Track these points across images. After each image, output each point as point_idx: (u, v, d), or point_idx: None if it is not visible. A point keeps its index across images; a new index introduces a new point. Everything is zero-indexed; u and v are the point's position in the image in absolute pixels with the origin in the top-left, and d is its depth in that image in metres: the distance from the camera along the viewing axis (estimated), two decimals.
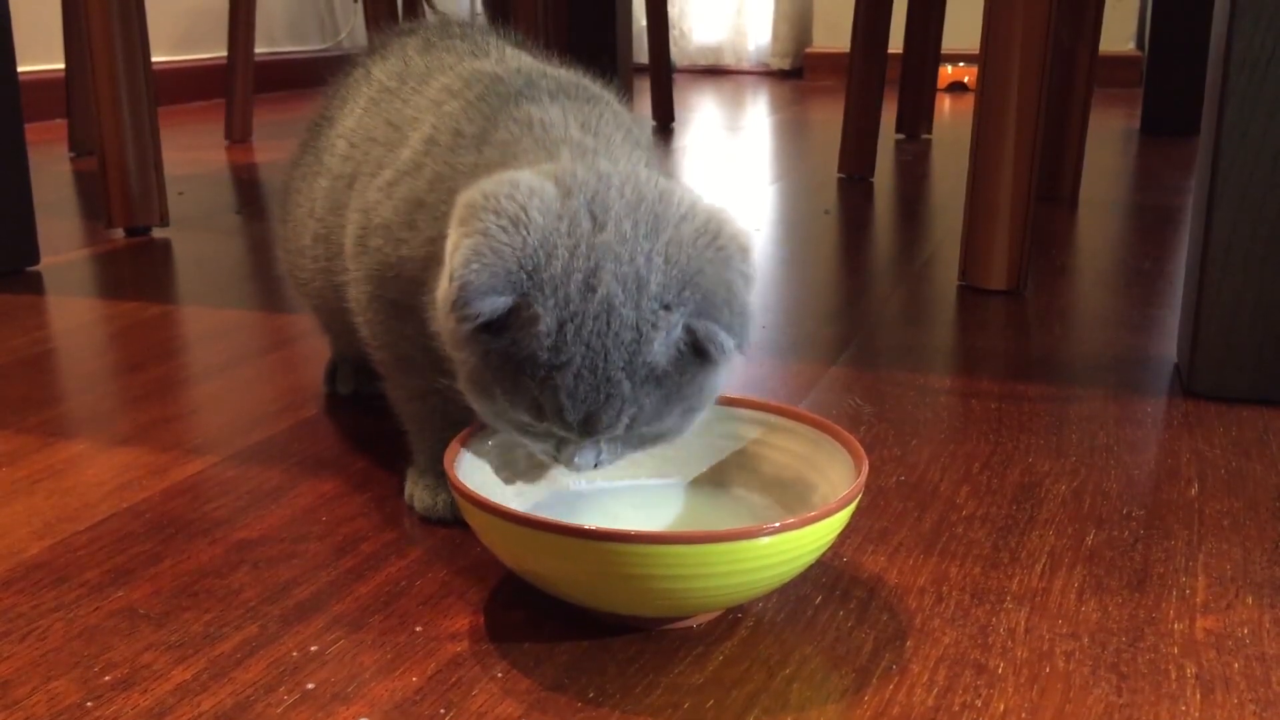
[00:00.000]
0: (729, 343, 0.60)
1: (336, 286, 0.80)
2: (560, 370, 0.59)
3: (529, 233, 0.59)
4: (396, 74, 0.83)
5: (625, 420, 0.60)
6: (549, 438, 0.63)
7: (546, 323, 0.59)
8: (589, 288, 0.59)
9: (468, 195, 0.62)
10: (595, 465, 0.63)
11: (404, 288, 0.71)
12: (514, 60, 0.81)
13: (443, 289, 0.62)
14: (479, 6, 4.19)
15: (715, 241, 0.62)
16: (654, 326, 0.59)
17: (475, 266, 0.58)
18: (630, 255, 0.60)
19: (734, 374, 0.65)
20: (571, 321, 0.59)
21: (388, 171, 0.74)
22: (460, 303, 0.58)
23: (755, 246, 0.65)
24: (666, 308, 0.60)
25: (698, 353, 0.61)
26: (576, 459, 0.63)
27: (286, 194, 0.92)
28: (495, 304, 0.59)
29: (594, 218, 0.61)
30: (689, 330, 0.60)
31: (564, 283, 0.59)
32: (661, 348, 0.60)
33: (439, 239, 0.66)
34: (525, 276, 0.59)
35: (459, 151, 0.70)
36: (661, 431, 0.63)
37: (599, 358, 0.59)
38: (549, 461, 0.66)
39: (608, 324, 0.59)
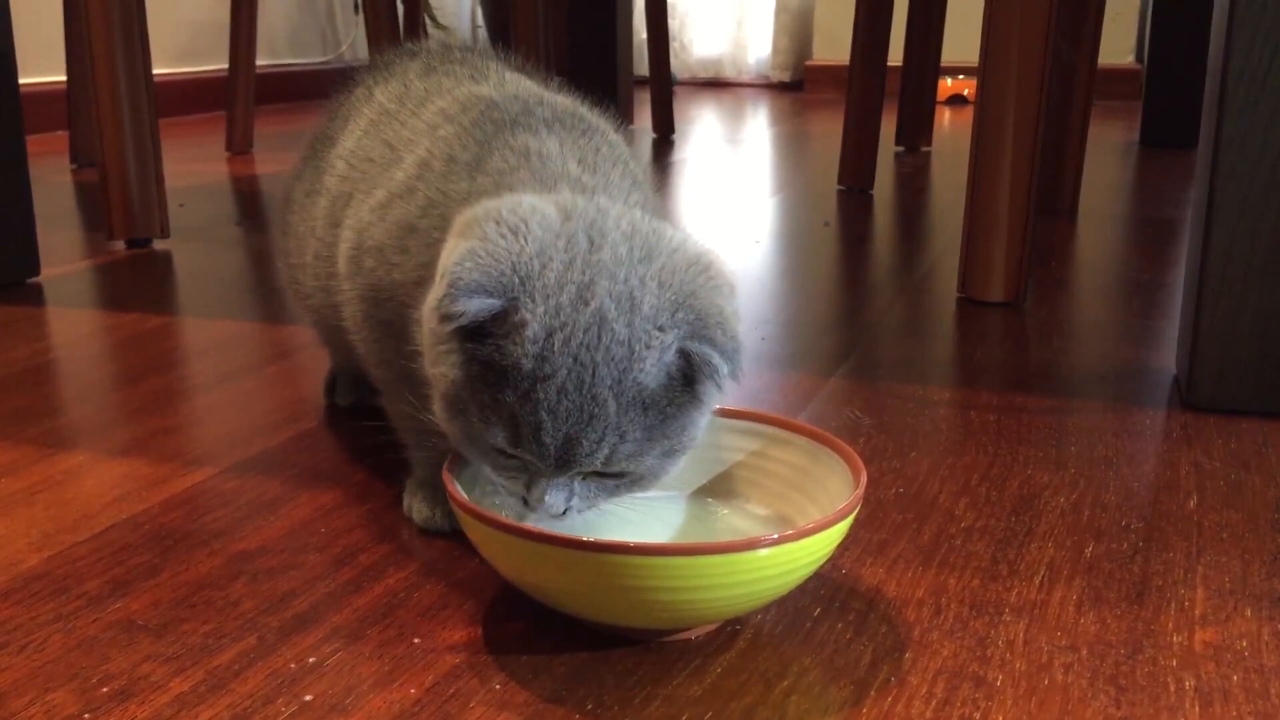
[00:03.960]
0: (724, 366, 0.59)
1: (335, 305, 0.80)
2: (544, 383, 0.57)
3: (526, 242, 0.59)
4: (397, 96, 0.83)
5: (605, 450, 0.59)
6: (520, 473, 0.61)
7: (533, 329, 0.58)
8: (582, 300, 0.58)
9: (469, 211, 0.62)
10: (564, 511, 0.61)
11: (396, 310, 0.71)
12: (512, 85, 0.81)
13: (430, 303, 0.61)
14: (479, 18, 4.19)
15: (707, 271, 0.62)
16: (646, 346, 0.58)
17: (468, 265, 0.58)
18: (625, 276, 0.59)
19: (725, 394, 0.64)
20: (561, 331, 0.58)
21: (380, 191, 0.75)
22: (448, 299, 0.57)
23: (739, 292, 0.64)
24: (660, 329, 0.59)
25: (687, 383, 0.60)
26: (547, 497, 0.60)
27: (288, 207, 0.92)
28: (483, 304, 0.58)
29: (591, 240, 0.60)
30: (682, 355, 0.59)
31: (556, 292, 0.58)
32: (653, 369, 0.59)
33: (430, 264, 0.66)
34: (518, 281, 0.58)
35: (452, 178, 0.70)
36: (639, 473, 0.61)
37: (586, 373, 0.58)
38: (517, 506, 0.62)
39: (599, 338, 0.58)
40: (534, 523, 0.63)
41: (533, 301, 0.58)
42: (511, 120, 0.72)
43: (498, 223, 0.60)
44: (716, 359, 0.59)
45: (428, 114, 0.78)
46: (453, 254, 0.59)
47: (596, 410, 0.58)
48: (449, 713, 0.56)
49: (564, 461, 0.59)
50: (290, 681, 0.59)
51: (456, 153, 0.72)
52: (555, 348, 0.58)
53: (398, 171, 0.74)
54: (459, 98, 0.78)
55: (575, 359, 0.58)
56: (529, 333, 0.58)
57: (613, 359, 0.58)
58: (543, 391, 0.58)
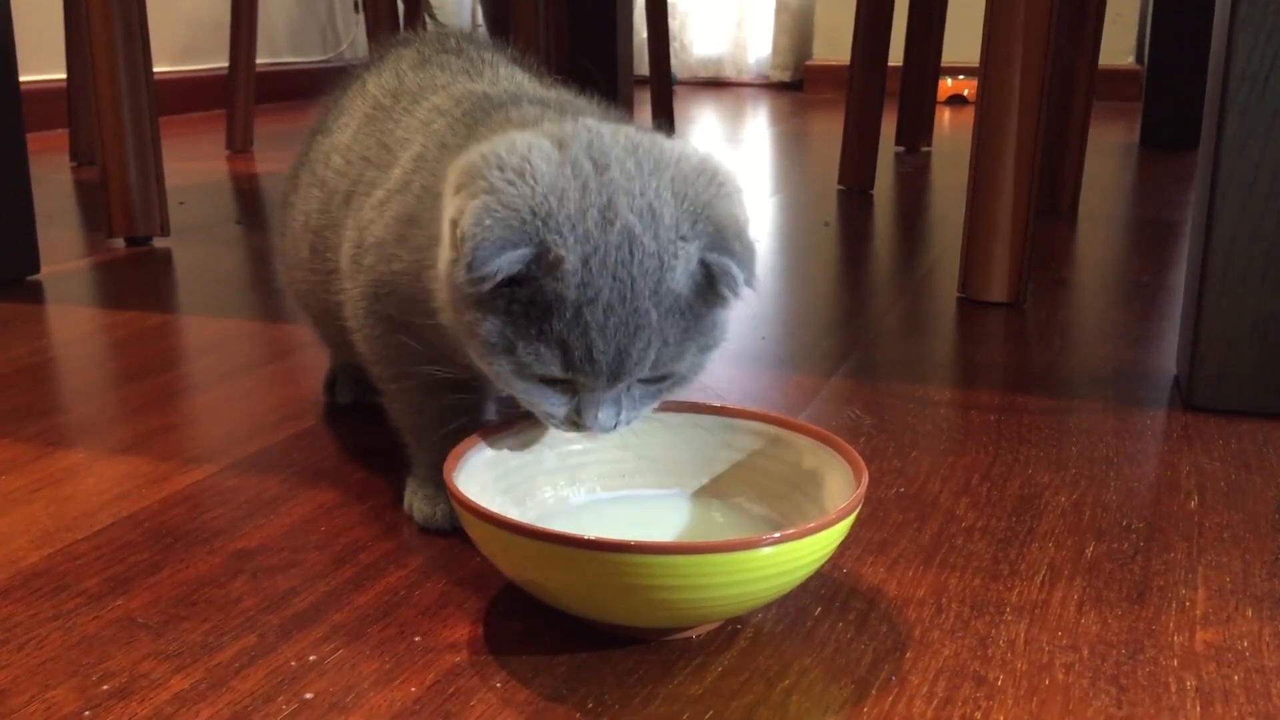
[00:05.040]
0: (740, 276, 0.61)
1: (335, 301, 0.80)
2: (590, 305, 0.59)
3: (536, 181, 0.60)
4: (390, 91, 0.83)
5: (652, 355, 0.60)
6: (569, 395, 0.63)
7: (571, 261, 0.59)
8: (607, 221, 0.59)
9: (462, 159, 0.62)
10: (615, 425, 0.63)
11: (399, 304, 0.71)
12: (506, 80, 0.81)
13: (444, 259, 0.62)
14: (480, 18, 4.19)
15: (716, 178, 0.63)
16: (674, 255, 0.60)
17: (488, 222, 0.58)
18: (640, 190, 0.61)
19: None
20: (595, 255, 0.59)
21: (380, 191, 0.75)
22: (477, 263, 0.58)
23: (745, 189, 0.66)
24: (683, 238, 0.61)
25: (711, 286, 0.62)
26: (600, 415, 0.62)
27: (285, 207, 0.92)
28: (514, 257, 0.58)
29: (595, 161, 0.61)
30: (703, 264, 0.61)
31: (580, 220, 0.59)
32: (682, 276, 0.60)
33: (429, 247, 0.67)
34: (540, 223, 0.59)
35: (445, 160, 0.70)
36: (680, 374, 0.63)
37: (626, 288, 0.59)
38: (566, 429, 0.64)
39: (630, 253, 0.59)
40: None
41: (560, 236, 0.59)
42: (498, 105, 0.73)
43: (500, 169, 0.60)
44: (734, 269, 0.61)
45: (422, 111, 0.78)
46: (466, 214, 0.59)
47: (640, 321, 0.60)
48: (449, 711, 0.56)
49: (616, 375, 0.61)
50: (291, 679, 0.59)
51: (448, 139, 0.72)
52: (594, 271, 0.59)
53: (395, 170, 0.74)
54: (454, 94, 0.78)
55: (614, 277, 0.59)
56: (568, 266, 0.59)
57: (647, 271, 0.60)
58: (590, 314, 0.59)
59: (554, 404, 0.63)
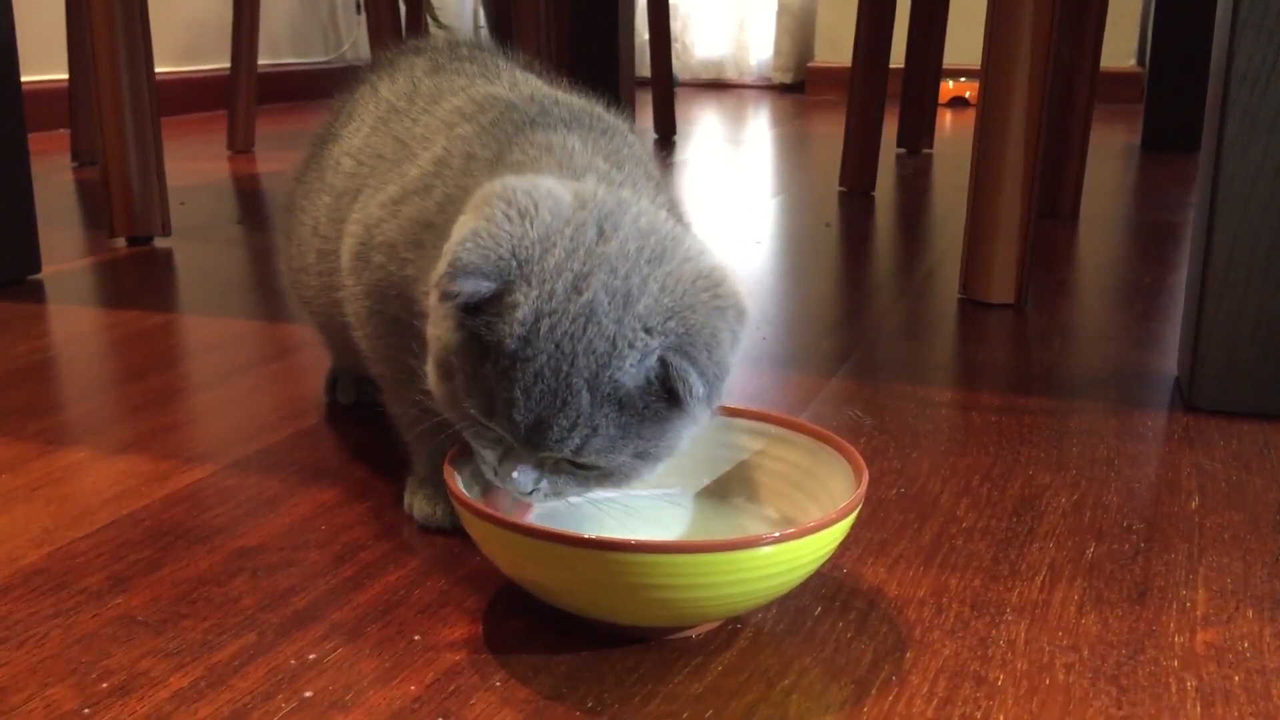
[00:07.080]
0: (699, 388, 0.58)
1: (337, 302, 0.79)
2: (524, 364, 0.58)
3: (532, 226, 0.60)
4: (405, 94, 0.82)
5: (576, 440, 0.59)
6: (496, 444, 0.62)
7: (523, 311, 0.58)
8: (576, 289, 0.59)
9: (489, 184, 0.63)
10: (531, 492, 0.62)
11: (406, 305, 0.71)
12: (525, 86, 0.81)
13: (436, 270, 0.62)
14: (481, 18, 4.20)
15: (715, 289, 0.61)
16: (630, 345, 0.58)
17: (469, 246, 0.59)
18: (626, 272, 0.59)
19: (700, 425, 0.63)
20: (549, 317, 0.58)
21: (392, 187, 0.74)
22: (446, 278, 0.58)
23: (751, 316, 0.62)
24: (648, 331, 0.59)
25: (668, 392, 0.59)
26: (515, 474, 0.61)
27: (290, 211, 0.91)
28: (478, 286, 0.59)
29: (601, 231, 0.60)
30: (662, 364, 0.59)
31: (553, 278, 0.59)
32: (632, 369, 0.58)
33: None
34: (515, 265, 0.59)
35: (471, 174, 0.70)
36: (609, 469, 0.61)
37: (565, 361, 0.58)
38: (489, 475, 0.63)
39: (584, 329, 0.58)
40: (501, 496, 0.65)
41: (528, 285, 0.59)
42: (530, 120, 0.72)
43: (508, 203, 0.60)
44: (693, 379, 0.58)
45: (442, 111, 0.77)
46: (459, 232, 0.60)
47: (570, 399, 0.58)
48: (449, 709, 0.56)
49: (533, 442, 0.60)
50: (290, 678, 0.59)
51: (476, 150, 0.71)
52: (540, 332, 0.58)
53: (411, 168, 0.74)
54: (474, 97, 0.77)
55: (557, 346, 0.58)
56: (519, 315, 0.58)
57: (593, 352, 0.58)
58: (521, 371, 0.58)
59: (484, 448, 0.63)
